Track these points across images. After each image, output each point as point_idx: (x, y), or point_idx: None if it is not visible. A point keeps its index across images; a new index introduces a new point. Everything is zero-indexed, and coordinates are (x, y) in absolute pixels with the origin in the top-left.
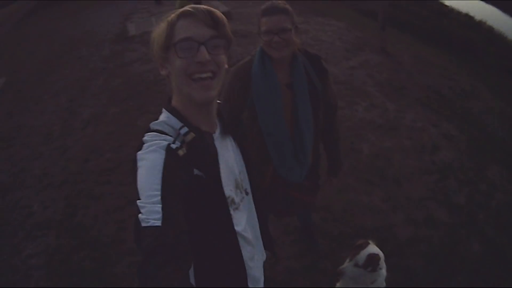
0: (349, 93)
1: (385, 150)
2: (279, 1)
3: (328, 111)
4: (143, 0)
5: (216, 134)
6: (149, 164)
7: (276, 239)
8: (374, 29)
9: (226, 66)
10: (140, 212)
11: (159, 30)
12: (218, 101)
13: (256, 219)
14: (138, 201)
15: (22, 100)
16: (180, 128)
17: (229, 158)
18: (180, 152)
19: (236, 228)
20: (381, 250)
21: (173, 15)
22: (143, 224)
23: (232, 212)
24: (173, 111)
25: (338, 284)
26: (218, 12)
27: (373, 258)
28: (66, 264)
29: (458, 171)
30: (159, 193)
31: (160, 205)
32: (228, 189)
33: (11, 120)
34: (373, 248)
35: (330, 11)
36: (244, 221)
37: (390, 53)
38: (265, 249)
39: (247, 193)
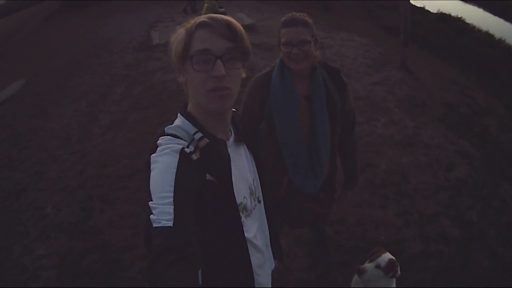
0: (369, 109)
1: (401, 166)
2: (299, 13)
3: (346, 125)
4: (169, 8)
5: (230, 142)
6: (163, 166)
7: (289, 251)
8: (396, 46)
9: (244, 75)
10: (152, 213)
11: (177, 38)
12: (233, 109)
13: (267, 228)
14: (150, 202)
15: (41, 103)
16: (194, 134)
17: (242, 165)
18: (194, 157)
19: (246, 235)
20: None
21: (191, 23)
22: (155, 225)
23: (243, 219)
24: (188, 117)
25: (352, 283)
26: (236, 24)
27: (394, 263)
28: (77, 266)
29: (472, 187)
30: (171, 194)
31: (172, 207)
32: (241, 196)
33: (28, 121)
34: (391, 255)
35: (354, 27)
36: (255, 228)
37: (411, 70)
38: (274, 258)
39: (259, 201)
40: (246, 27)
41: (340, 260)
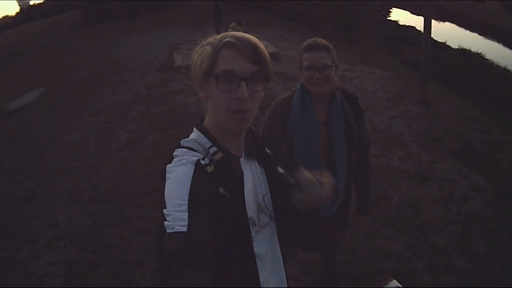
0: (386, 142)
1: (415, 199)
2: (321, 39)
3: (361, 150)
4: (192, 30)
5: (243, 158)
6: (179, 175)
7: (298, 277)
8: (416, 81)
9: (262, 94)
10: (166, 220)
11: (202, 54)
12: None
13: (277, 246)
14: (164, 209)
15: (58, 114)
16: (210, 147)
17: (253, 181)
18: (209, 169)
19: (255, 250)
20: None
21: (217, 40)
22: (168, 230)
23: (253, 234)
24: (204, 131)
25: None
26: (262, 47)
27: None
28: (84, 276)
29: (482, 221)
30: (186, 202)
31: (187, 213)
32: (251, 211)
33: (45, 131)
34: (398, 283)
35: (376, 61)
36: (266, 244)
37: (429, 105)
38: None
39: (271, 218)
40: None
41: None
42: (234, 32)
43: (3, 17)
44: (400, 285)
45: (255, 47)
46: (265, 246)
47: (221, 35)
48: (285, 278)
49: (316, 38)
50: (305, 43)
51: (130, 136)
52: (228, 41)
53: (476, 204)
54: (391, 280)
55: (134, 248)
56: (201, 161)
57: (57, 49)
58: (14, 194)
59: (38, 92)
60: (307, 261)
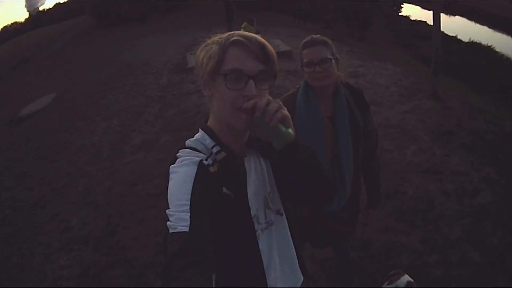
0: (399, 137)
1: (428, 193)
2: (318, 35)
3: (368, 145)
4: (204, 31)
5: (247, 157)
6: (181, 176)
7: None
8: (428, 75)
9: (268, 92)
10: (169, 220)
11: (208, 52)
12: None
13: (289, 242)
14: (167, 210)
15: (71, 118)
16: (213, 147)
17: (258, 179)
18: (212, 169)
19: (261, 247)
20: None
21: (224, 38)
22: (171, 230)
23: (259, 232)
24: (207, 130)
25: None
26: (269, 47)
27: (412, 284)
28: (99, 279)
29: (494, 214)
30: (188, 202)
31: (189, 214)
32: (254, 209)
33: (58, 135)
34: (409, 277)
35: (388, 56)
36: (272, 241)
37: (441, 99)
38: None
39: (281, 214)
40: (282, 53)
41: (362, 284)
42: (240, 32)
43: (12, 23)
44: (411, 279)
45: (263, 46)
46: (272, 243)
47: (227, 33)
48: (298, 270)
49: (313, 35)
50: (303, 41)
51: (144, 138)
52: (236, 39)
53: (488, 196)
54: (403, 275)
55: (147, 249)
56: (204, 161)
57: (68, 54)
58: (28, 199)
59: (50, 98)
60: (321, 258)
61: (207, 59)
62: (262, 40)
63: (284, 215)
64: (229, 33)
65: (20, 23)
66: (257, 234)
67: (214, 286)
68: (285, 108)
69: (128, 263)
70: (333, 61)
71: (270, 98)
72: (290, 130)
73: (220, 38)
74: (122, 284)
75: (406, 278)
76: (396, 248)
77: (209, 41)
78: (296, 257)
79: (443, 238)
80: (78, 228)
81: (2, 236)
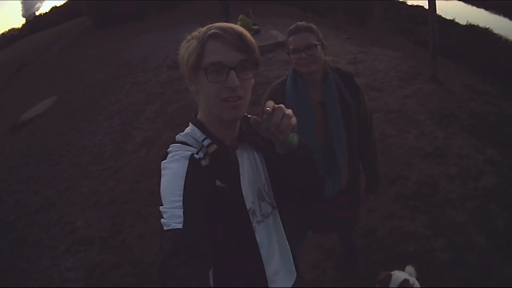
0: (401, 121)
1: (432, 177)
2: (304, 22)
3: (362, 129)
4: (202, 26)
5: (239, 149)
6: (173, 171)
7: (319, 263)
8: (427, 59)
9: (253, 81)
10: (163, 217)
11: (188, 49)
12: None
13: (283, 235)
14: (161, 207)
15: (73, 120)
16: (203, 140)
17: (251, 171)
18: (203, 163)
19: (258, 240)
20: (420, 274)
21: (202, 33)
22: (165, 228)
23: (255, 224)
24: (197, 124)
25: None
26: (248, 35)
27: (406, 283)
28: (105, 279)
29: (500, 195)
30: (181, 198)
31: (182, 210)
32: (250, 202)
33: (60, 138)
34: (402, 276)
35: (387, 42)
36: (270, 234)
37: (441, 82)
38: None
39: (274, 207)
40: (280, 44)
41: (369, 272)
42: (218, 23)
43: (9, 30)
44: (407, 278)
45: (241, 36)
46: (270, 235)
47: (205, 27)
48: (293, 265)
49: (298, 22)
50: (288, 28)
51: (146, 136)
52: (213, 32)
53: (493, 178)
54: (391, 276)
55: (153, 247)
56: (195, 155)
57: (67, 56)
58: (32, 203)
59: (51, 101)
60: (328, 247)
61: (187, 55)
62: (240, 29)
63: (277, 209)
64: (207, 26)
65: (18, 29)
66: (253, 227)
67: (211, 282)
68: (294, 117)
69: (134, 262)
70: (319, 46)
71: (284, 109)
72: (295, 139)
73: (199, 32)
74: (129, 283)
75: (399, 278)
76: (402, 234)
77: (189, 36)
78: (290, 253)
79: (448, 223)
80: (83, 229)
81: (8, 242)
